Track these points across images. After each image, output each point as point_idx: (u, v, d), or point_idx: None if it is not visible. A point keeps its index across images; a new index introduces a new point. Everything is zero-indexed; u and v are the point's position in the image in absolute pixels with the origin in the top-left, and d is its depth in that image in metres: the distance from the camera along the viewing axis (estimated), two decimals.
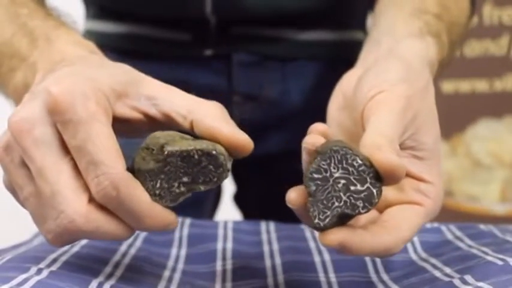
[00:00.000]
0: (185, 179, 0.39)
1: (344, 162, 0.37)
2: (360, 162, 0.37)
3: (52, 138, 0.38)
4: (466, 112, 1.78)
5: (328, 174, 0.37)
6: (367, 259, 0.51)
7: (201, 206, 0.82)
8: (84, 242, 0.52)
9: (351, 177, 0.37)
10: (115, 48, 0.77)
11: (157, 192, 0.39)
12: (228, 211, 0.90)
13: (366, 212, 0.37)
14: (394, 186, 0.43)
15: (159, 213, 0.39)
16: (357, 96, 0.45)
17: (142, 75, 0.43)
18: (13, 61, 0.48)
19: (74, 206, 0.37)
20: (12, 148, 0.39)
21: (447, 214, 1.76)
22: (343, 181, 0.37)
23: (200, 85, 0.75)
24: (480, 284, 0.41)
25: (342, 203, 0.37)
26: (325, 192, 0.37)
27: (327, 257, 0.52)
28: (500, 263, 0.44)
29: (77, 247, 0.50)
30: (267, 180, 0.81)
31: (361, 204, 0.37)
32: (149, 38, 0.75)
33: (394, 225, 0.40)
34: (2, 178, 0.41)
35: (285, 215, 0.71)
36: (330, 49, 0.77)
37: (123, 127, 0.41)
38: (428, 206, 0.43)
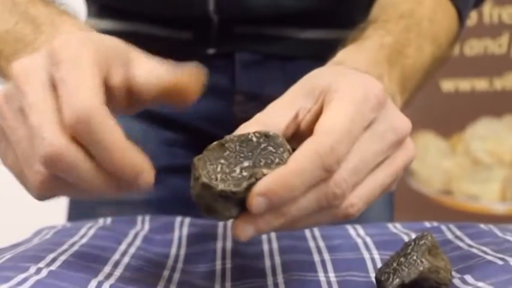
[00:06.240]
0: (246, 163, 0.38)
1: None
2: None
3: (46, 79, 0.40)
4: (466, 111, 1.78)
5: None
6: (367, 258, 0.51)
7: None
8: (83, 241, 0.52)
9: None
10: None
11: (218, 176, 0.37)
12: None
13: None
14: None
15: (131, 153, 0.38)
16: None
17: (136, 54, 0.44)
18: (17, 45, 0.49)
19: (56, 133, 0.38)
20: (12, 97, 0.40)
21: (447, 213, 1.76)
22: None
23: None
24: (480, 284, 0.41)
25: None
26: None
27: (326, 256, 0.52)
28: (500, 262, 0.44)
29: (76, 246, 0.50)
30: None
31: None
32: (151, 36, 0.75)
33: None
34: None
35: None
36: (332, 48, 0.77)
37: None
38: (339, 95, 0.40)
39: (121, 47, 0.44)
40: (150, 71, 0.43)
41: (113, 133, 0.38)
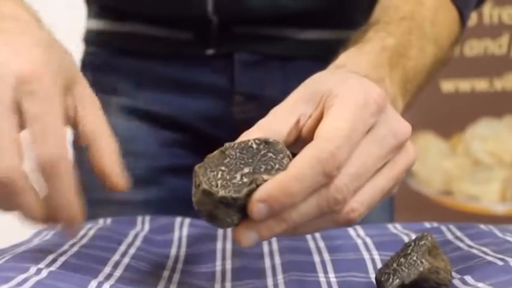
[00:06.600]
0: (246, 170, 0.38)
1: None
2: None
3: (12, 102, 0.42)
4: (466, 111, 1.78)
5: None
6: (367, 259, 0.51)
7: None
8: (83, 242, 0.52)
9: None
10: (116, 47, 0.77)
11: (219, 183, 0.37)
12: None
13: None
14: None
15: (77, 202, 0.43)
16: None
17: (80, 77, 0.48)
18: None
19: (14, 159, 0.41)
20: None
21: (447, 214, 1.76)
22: None
23: (202, 84, 0.75)
24: (480, 284, 0.41)
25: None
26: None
27: (326, 256, 0.52)
28: (500, 263, 0.44)
29: (76, 247, 0.50)
30: None
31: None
32: (151, 37, 0.75)
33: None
34: None
35: None
36: (331, 48, 0.77)
37: None
38: (339, 99, 0.40)
39: (72, 69, 0.47)
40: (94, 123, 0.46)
41: (71, 183, 0.42)
